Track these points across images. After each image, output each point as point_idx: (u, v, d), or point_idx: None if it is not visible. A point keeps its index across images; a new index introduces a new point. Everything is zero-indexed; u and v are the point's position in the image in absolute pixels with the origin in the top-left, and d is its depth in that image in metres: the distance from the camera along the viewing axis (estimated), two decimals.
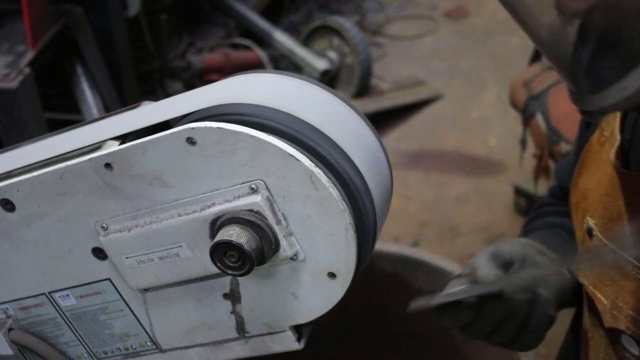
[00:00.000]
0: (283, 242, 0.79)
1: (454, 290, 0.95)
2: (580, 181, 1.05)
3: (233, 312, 0.88)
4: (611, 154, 0.96)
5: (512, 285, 0.97)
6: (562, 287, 1.05)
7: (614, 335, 0.97)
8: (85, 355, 0.99)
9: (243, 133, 0.75)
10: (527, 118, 2.80)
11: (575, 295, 1.10)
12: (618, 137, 0.96)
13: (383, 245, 2.00)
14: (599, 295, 0.96)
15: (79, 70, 2.75)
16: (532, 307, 0.97)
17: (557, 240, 1.16)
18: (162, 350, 0.95)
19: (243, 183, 0.78)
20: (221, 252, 0.77)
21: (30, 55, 2.41)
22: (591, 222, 0.97)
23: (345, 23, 4.25)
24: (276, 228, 0.78)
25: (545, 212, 1.29)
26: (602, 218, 0.96)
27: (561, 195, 1.26)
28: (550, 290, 1.02)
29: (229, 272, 0.78)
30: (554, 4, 0.76)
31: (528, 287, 0.98)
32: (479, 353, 1.90)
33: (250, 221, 0.78)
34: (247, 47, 4.19)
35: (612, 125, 0.99)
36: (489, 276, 0.95)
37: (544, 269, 1.03)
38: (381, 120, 4.00)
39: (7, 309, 0.97)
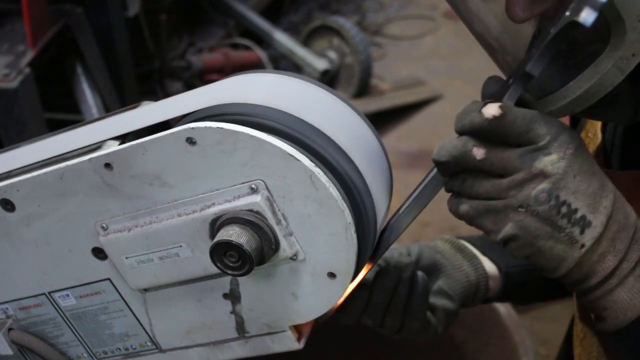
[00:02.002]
0: (283, 242, 0.79)
1: None
2: None
3: (233, 312, 0.88)
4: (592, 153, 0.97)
5: (394, 264, 1.04)
6: (470, 282, 1.11)
7: (605, 335, 0.97)
8: (85, 355, 0.99)
9: (243, 133, 0.75)
10: None
11: (510, 291, 1.16)
12: (599, 137, 0.98)
13: None
14: None
15: (79, 70, 2.75)
16: (412, 288, 1.03)
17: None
18: (162, 350, 0.95)
19: (243, 183, 0.78)
20: (221, 252, 0.77)
21: (30, 55, 2.41)
22: None
23: (345, 23, 4.25)
24: (276, 228, 0.78)
25: None
26: None
27: None
28: (451, 283, 1.09)
29: (229, 272, 0.78)
30: (503, 12, 0.79)
31: (407, 266, 1.04)
32: (479, 353, 1.90)
33: (250, 221, 0.78)
34: (247, 47, 4.18)
35: (595, 126, 1.00)
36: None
37: (441, 258, 1.10)
38: (381, 120, 4.00)
39: (7, 309, 0.97)
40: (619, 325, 0.80)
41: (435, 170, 0.84)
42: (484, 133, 0.76)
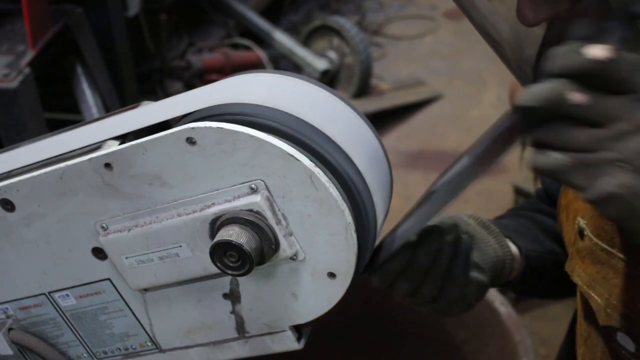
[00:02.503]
0: (283, 242, 0.79)
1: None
2: None
3: (233, 312, 0.88)
4: None
5: (438, 224, 0.97)
6: (498, 258, 1.06)
7: (609, 334, 0.97)
8: (85, 355, 0.99)
9: (243, 133, 0.75)
10: None
11: (527, 277, 1.12)
12: None
13: None
14: (592, 294, 0.96)
15: (79, 70, 2.75)
16: (456, 251, 0.97)
17: (514, 224, 1.18)
18: (162, 350, 0.95)
19: (243, 183, 0.78)
20: (221, 252, 0.77)
21: (30, 55, 2.41)
22: (582, 223, 0.98)
23: (345, 23, 4.25)
24: (276, 228, 0.78)
25: (519, 207, 1.31)
26: (592, 218, 0.96)
27: (545, 198, 1.27)
28: (482, 256, 1.04)
29: (229, 272, 0.78)
30: (514, 14, 0.76)
31: (452, 228, 0.97)
32: (479, 353, 1.90)
33: (250, 221, 0.78)
34: (247, 47, 4.19)
35: None
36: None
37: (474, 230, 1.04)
38: (381, 120, 4.00)
39: (7, 309, 0.97)
40: None
41: (511, 119, 0.74)
42: (585, 77, 0.66)
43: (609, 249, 0.93)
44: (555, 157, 0.69)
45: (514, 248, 1.12)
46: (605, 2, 0.72)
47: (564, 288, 1.10)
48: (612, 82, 0.67)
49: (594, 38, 0.68)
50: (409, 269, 0.95)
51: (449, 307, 1.00)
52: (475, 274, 1.01)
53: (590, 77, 0.66)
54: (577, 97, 0.66)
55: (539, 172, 0.71)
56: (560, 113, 0.68)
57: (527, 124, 0.71)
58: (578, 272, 0.99)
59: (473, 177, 0.80)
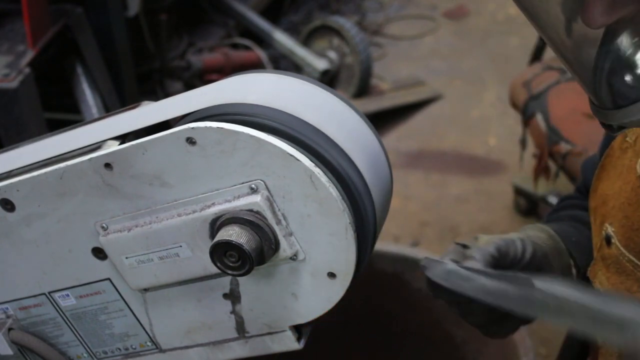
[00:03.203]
0: (283, 242, 0.79)
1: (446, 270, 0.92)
2: (600, 186, 1.03)
3: (233, 312, 0.88)
4: (638, 165, 0.93)
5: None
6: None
7: None
8: (85, 355, 0.99)
9: (243, 133, 0.75)
10: (527, 118, 2.80)
11: None
12: None
13: (383, 245, 2.00)
14: None
15: (79, 70, 2.75)
16: None
17: (576, 235, 1.15)
18: (162, 350, 0.95)
19: (243, 183, 0.78)
20: (221, 252, 0.77)
21: (30, 55, 2.41)
22: (610, 230, 0.96)
23: (345, 23, 4.25)
24: (276, 228, 0.78)
25: (571, 204, 1.27)
26: (623, 227, 0.95)
27: (585, 192, 1.24)
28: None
29: (229, 272, 0.78)
30: (579, 16, 0.74)
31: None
32: (479, 353, 1.90)
33: (250, 221, 0.78)
34: (247, 47, 4.18)
35: (636, 131, 0.96)
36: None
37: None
38: (381, 120, 4.00)
39: (7, 309, 0.97)
40: None
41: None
42: None
43: (637, 261, 0.92)
44: None
45: (573, 270, 1.10)
46: None
47: None
48: None
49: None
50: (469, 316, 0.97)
51: (504, 335, 1.02)
52: None
53: None
54: None
55: None
56: None
57: None
58: (600, 279, 0.98)
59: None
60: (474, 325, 1.00)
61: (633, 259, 0.92)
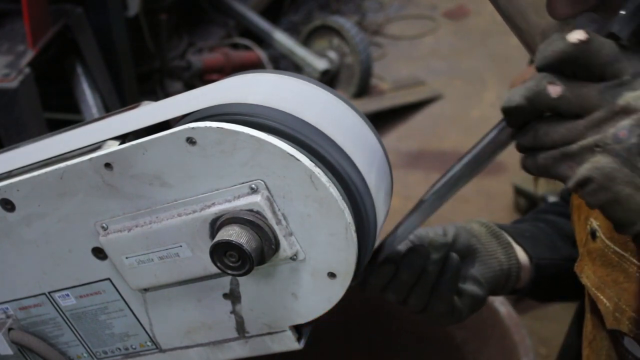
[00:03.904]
0: (283, 242, 0.79)
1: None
2: None
3: (233, 312, 0.88)
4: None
5: (428, 243, 0.99)
6: (503, 270, 1.08)
7: (616, 338, 0.97)
8: (85, 355, 0.99)
9: (243, 133, 0.75)
10: None
11: (536, 285, 1.13)
12: None
13: None
14: (601, 297, 0.96)
15: (79, 70, 2.75)
16: (443, 269, 0.99)
17: (532, 230, 1.18)
18: (162, 350, 0.95)
19: (243, 183, 0.78)
20: (221, 252, 0.77)
21: (30, 55, 2.41)
22: (595, 224, 0.97)
23: (345, 23, 4.25)
24: (276, 228, 0.78)
25: (543, 209, 1.30)
26: (606, 220, 0.96)
27: (568, 198, 1.26)
28: (483, 269, 1.06)
29: (229, 272, 0.78)
30: (545, 8, 0.77)
31: (441, 247, 0.99)
32: (479, 353, 1.90)
33: (250, 221, 0.78)
34: (247, 47, 4.19)
35: None
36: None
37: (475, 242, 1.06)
38: (381, 120, 4.00)
39: (7, 309, 0.97)
40: None
41: (500, 125, 0.76)
42: (566, 63, 0.68)
43: (622, 252, 0.92)
44: (540, 158, 0.71)
45: (523, 257, 1.12)
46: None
47: (582, 292, 1.10)
48: (591, 67, 0.68)
49: (599, 31, 0.70)
50: (393, 283, 0.98)
51: (438, 319, 1.03)
52: (470, 287, 1.04)
53: (572, 63, 0.68)
54: (553, 90, 0.69)
55: (529, 172, 0.73)
56: (542, 108, 0.70)
57: (512, 125, 0.73)
58: (587, 273, 0.99)
59: (465, 180, 0.82)
60: (414, 311, 1.02)
61: (618, 250, 0.93)
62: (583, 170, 0.69)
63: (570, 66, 0.69)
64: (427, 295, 0.99)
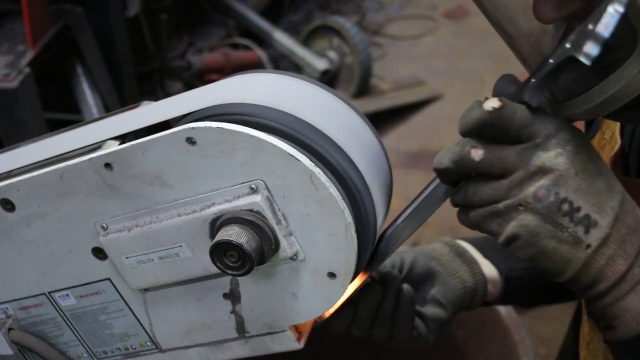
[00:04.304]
0: (283, 242, 0.79)
1: None
2: None
3: (233, 312, 0.88)
4: (610, 159, 0.95)
5: (380, 278, 1.02)
6: (466, 288, 1.10)
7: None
8: (85, 355, 0.99)
9: (243, 133, 0.75)
10: None
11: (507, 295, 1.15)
12: (618, 140, 0.96)
13: None
14: None
15: (79, 70, 2.75)
16: (397, 302, 1.02)
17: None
18: (162, 350, 0.95)
19: (243, 183, 0.78)
20: (221, 252, 0.77)
21: (30, 55, 2.41)
22: None
23: (345, 23, 4.25)
24: (276, 228, 0.78)
25: None
26: None
27: None
28: (445, 291, 1.08)
29: (229, 272, 0.78)
30: (530, 10, 0.78)
31: (392, 281, 1.02)
32: (479, 353, 1.90)
33: (250, 221, 0.78)
34: (247, 47, 4.19)
35: (612, 128, 0.98)
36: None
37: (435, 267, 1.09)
38: (381, 120, 4.00)
39: (7, 309, 0.97)
40: (630, 334, 0.78)
41: (436, 182, 0.82)
42: (485, 129, 0.75)
43: None
44: (472, 215, 0.78)
45: (492, 271, 1.14)
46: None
47: (565, 293, 1.10)
48: (507, 131, 0.74)
49: (518, 92, 0.76)
50: (355, 321, 1.01)
51: (404, 345, 1.07)
52: (432, 310, 1.07)
53: (490, 129, 0.75)
54: (475, 153, 0.76)
55: (466, 226, 0.80)
56: (468, 170, 0.77)
57: (445, 182, 0.80)
58: None
59: (414, 227, 0.87)
60: (381, 341, 1.05)
61: None
62: (510, 228, 0.75)
63: (488, 131, 0.75)
64: (387, 327, 1.02)
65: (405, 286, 1.03)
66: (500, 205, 0.75)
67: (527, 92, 0.75)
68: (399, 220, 0.86)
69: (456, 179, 0.79)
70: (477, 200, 0.77)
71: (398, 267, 1.08)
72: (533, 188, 0.74)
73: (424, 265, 1.09)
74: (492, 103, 0.74)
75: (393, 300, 1.01)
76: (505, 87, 0.79)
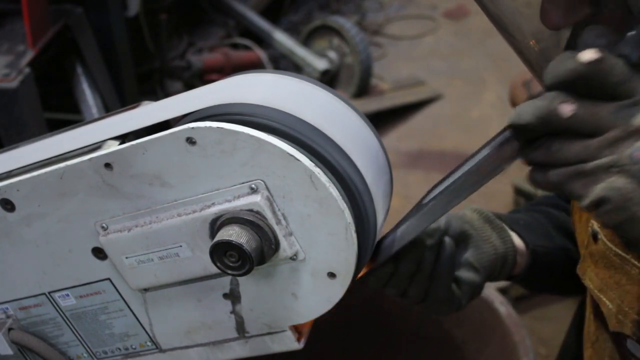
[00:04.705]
0: (283, 242, 0.79)
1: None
2: None
3: (233, 312, 0.88)
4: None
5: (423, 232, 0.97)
6: (498, 254, 1.06)
7: (619, 340, 0.97)
8: (85, 355, 0.99)
9: (243, 133, 0.75)
10: None
11: (531, 270, 1.12)
12: None
13: None
14: (604, 299, 0.95)
15: (79, 70, 2.75)
16: (438, 255, 0.98)
17: (526, 219, 1.17)
18: (162, 350, 0.95)
19: (243, 183, 0.78)
20: (221, 252, 0.77)
21: (30, 55, 2.41)
22: (596, 226, 0.96)
23: (345, 23, 4.25)
24: (276, 228, 0.78)
25: (537, 201, 1.29)
26: None
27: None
28: (478, 255, 1.04)
29: (229, 272, 0.78)
30: (538, 17, 0.76)
31: (434, 232, 0.98)
32: (479, 353, 1.90)
33: (250, 221, 0.78)
34: (247, 47, 4.19)
35: None
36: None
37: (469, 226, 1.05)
38: (381, 120, 4.00)
39: (7, 309, 0.97)
40: None
41: (502, 138, 0.76)
42: (578, 82, 0.68)
43: (624, 254, 0.92)
44: (553, 174, 0.71)
45: (519, 243, 1.11)
46: (629, 9, 0.71)
47: (574, 285, 1.09)
48: (604, 87, 0.67)
49: (607, 46, 0.70)
50: (394, 277, 0.97)
51: (438, 307, 1.02)
52: (466, 274, 1.03)
53: (584, 83, 0.68)
54: (566, 109, 0.68)
55: (538, 187, 0.73)
56: (553, 127, 0.69)
57: (520, 139, 0.73)
58: (590, 275, 0.98)
59: (468, 192, 0.82)
60: (415, 301, 1.01)
61: (620, 252, 0.92)
62: (599, 190, 0.68)
63: (582, 85, 0.68)
64: (426, 283, 0.98)
65: (447, 239, 1.00)
66: (589, 165, 0.69)
67: (626, 46, 0.69)
68: (459, 173, 0.81)
69: (536, 137, 0.72)
70: (561, 158, 0.70)
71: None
72: (630, 149, 0.67)
73: (458, 227, 1.04)
74: (590, 54, 0.67)
75: (435, 252, 0.98)
76: (593, 39, 0.73)
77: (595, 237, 0.97)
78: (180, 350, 0.94)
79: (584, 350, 1.06)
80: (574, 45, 0.74)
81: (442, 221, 1.02)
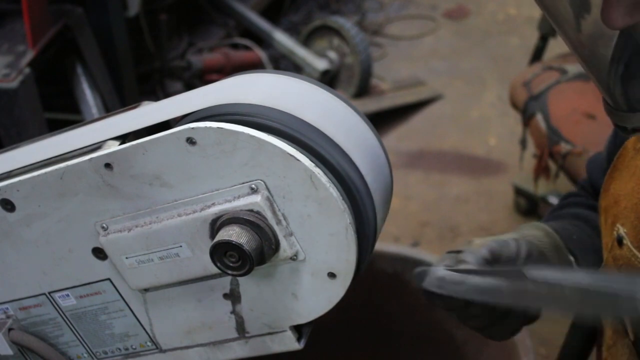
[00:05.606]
0: (283, 242, 0.79)
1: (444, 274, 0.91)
2: (612, 186, 1.02)
3: (233, 312, 0.88)
4: None
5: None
6: None
7: (636, 347, 0.96)
8: (85, 355, 0.99)
9: (243, 133, 0.75)
10: (527, 118, 2.80)
11: None
12: None
13: (383, 245, 2.00)
14: None
15: (79, 70, 2.75)
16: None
17: (578, 233, 1.14)
18: (162, 350, 0.95)
19: (243, 183, 0.78)
20: (221, 252, 0.77)
21: (30, 55, 2.41)
22: (622, 230, 0.95)
23: (345, 23, 4.25)
24: (276, 228, 0.78)
25: (573, 202, 1.26)
26: (635, 228, 0.94)
27: (591, 190, 1.23)
28: None
29: (229, 272, 0.78)
30: (598, 17, 0.73)
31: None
32: (479, 353, 1.90)
33: (250, 221, 0.78)
34: (247, 47, 4.18)
35: None
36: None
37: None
38: (381, 120, 4.00)
39: (7, 309, 0.97)
40: None
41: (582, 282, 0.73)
42: None
43: None
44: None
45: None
46: None
47: None
48: None
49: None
50: (462, 310, 0.94)
51: (498, 336, 1.00)
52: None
53: None
54: None
55: None
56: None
57: None
58: None
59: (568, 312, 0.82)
60: (475, 329, 0.99)
61: None
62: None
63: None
64: (491, 323, 0.96)
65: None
66: None
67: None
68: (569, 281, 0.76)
69: None
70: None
71: (513, 257, 0.98)
72: None
73: (537, 262, 0.98)
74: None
75: (501, 310, 0.95)
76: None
77: (620, 241, 0.96)
78: (180, 351, 0.94)
79: (600, 353, 1.05)
80: (625, 44, 0.72)
81: (522, 252, 0.98)
